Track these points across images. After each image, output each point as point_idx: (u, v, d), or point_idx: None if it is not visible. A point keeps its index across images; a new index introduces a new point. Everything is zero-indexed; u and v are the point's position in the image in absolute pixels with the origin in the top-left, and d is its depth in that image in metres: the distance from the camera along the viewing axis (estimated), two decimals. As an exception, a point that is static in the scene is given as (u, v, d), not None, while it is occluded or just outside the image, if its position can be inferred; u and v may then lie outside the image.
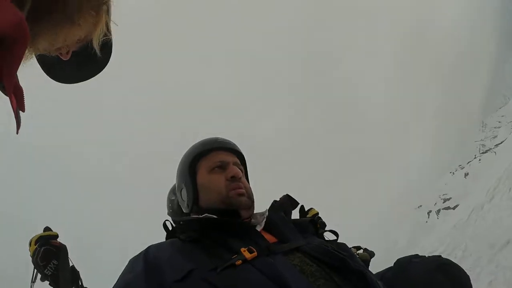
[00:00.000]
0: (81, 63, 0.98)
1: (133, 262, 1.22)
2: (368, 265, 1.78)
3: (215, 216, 1.34)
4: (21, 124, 0.66)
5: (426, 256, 1.46)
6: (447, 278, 1.24)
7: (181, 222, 1.41)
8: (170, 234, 1.45)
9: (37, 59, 0.93)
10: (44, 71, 1.00)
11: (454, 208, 36.34)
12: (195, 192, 1.48)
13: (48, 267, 1.56)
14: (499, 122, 51.69)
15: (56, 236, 1.71)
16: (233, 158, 1.54)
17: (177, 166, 1.61)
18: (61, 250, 1.64)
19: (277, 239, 1.28)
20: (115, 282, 1.16)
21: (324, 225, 1.87)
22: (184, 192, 1.53)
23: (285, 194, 1.66)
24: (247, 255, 1.09)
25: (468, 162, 46.76)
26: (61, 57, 0.91)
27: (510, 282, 8.11)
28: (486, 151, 45.11)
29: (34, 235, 1.65)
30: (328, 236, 1.72)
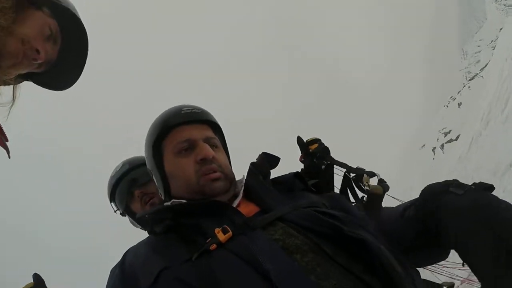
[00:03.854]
0: (62, 70, 1.20)
1: (112, 272, 1.13)
2: (381, 200, 1.50)
3: (184, 200, 1.22)
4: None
5: (468, 185, 1.04)
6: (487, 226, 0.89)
7: (146, 216, 1.24)
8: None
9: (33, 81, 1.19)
10: (42, 86, 1.24)
11: (456, 139, 36.75)
12: (165, 180, 1.31)
13: None
14: (479, 46, 51.57)
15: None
16: (202, 132, 1.31)
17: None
18: None
19: (259, 208, 1.15)
20: None
21: (326, 151, 1.75)
22: (154, 177, 1.37)
23: (261, 152, 1.48)
24: (221, 236, 0.99)
25: (459, 92, 47.11)
26: (34, 70, 1.13)
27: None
28: (473, 77, 45.48)
29: None
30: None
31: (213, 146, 1.29)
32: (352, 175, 1.67)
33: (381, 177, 1.64)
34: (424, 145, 49.70)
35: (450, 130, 44.87)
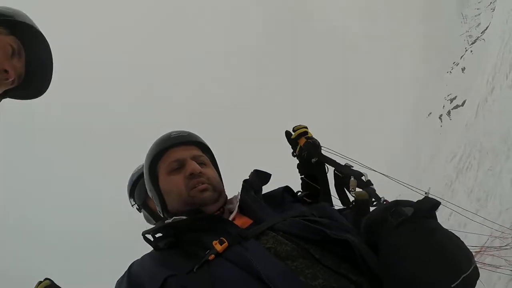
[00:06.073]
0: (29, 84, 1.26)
1: (119, 283, 1.22)
2: (367, 206, 1.46)
3: (183, 217, 1.32)
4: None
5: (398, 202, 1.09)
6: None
7: (150, 233, 1.34)
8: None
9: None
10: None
11: (462, 104, 36.38)
12: (161, 198, 1.45)
13: None
14: (478, 9, 50.74)
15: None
16: (190, 151, 1.47)
17: None
18: None
19: (252, 221, 1.26)
20: None
21: (313, 146, 1.76)
22: (152, 196, 1.50)
23: (252, 170, 1.60)
24: (218, 247, 1.08)
25: (461, 57, 46.47)
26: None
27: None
28: (474, 41, 44.76)
29: None
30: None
31: (201, 163, 1.46)
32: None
33: (368, 178, 1.65)
34: (430, 113, 49.19)
35: (456, 96, 44.35)
